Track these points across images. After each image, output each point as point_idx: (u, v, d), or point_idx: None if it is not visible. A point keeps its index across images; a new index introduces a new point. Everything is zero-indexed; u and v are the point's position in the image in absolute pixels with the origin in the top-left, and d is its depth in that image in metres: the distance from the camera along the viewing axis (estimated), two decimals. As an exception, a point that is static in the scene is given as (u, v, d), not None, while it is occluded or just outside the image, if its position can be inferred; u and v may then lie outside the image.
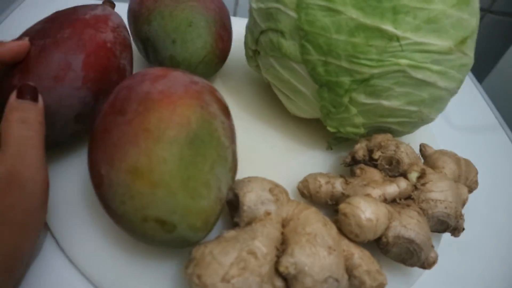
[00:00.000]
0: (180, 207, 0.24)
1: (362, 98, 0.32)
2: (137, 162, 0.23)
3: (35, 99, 0.27)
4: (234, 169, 0.29)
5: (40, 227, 0.26)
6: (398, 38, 0.29)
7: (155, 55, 0.39)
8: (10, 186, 0.23)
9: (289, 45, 0.33)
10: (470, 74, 0.61)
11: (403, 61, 0.30)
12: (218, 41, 0.39)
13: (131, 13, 0.41)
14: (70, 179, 0.33)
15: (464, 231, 0.32)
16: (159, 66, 0.38)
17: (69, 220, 0.30)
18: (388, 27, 0.29)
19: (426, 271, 0.31)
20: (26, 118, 0.26)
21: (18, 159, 0.24)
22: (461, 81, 0.34)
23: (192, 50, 0.38)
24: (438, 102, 0.34)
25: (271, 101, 0.44)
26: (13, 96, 0.27)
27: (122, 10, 0.40)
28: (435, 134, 0.46)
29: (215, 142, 0.26)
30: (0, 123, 0.26)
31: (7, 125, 0.25)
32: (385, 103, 0.32)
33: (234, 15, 0.70)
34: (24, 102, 0.26)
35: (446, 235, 0.34)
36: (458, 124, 0.52)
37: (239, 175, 0.30)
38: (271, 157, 0.39)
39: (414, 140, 0.41)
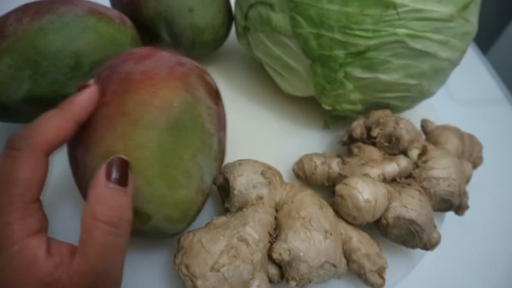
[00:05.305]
0: (156, 196, 0.23)
1: (358, 73, 0.30)
2: (112, 147, 0.22)
3: (125, 181, 0.21)
4: (220, 158, 0.27)
5: None
6: (395, 6, 0.27)
7: (170, 29, 0.38)
8: (91, 282, 0.21)
9: (279, 18, 0.31)
10: (474, 44, 0.59)
11: (401, 31, 0.28)
12: (227, 2, 0.39)
13: None
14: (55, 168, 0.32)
15: (469, 209, 0.31)
16: (175, 40, 0.37)
17: (54, 207, 0.29)
18: (384, -6, 0.27)
19: (429, 253, 0.30)
20: (116, 220, 0.20)
21: (101, 262, 0.21)
22: (463, 51, 0.32)
23: (213, 14, 0.37)
24: (439, 74, 0.32)
25: (264, 80, 0.42)
26: (101, 176, 0.21)
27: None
28: (436, 109, 0.45)
29: (199, 129, 0.25)
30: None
31: (93, 225, 0.20)
32: (383, 77, 0.30)
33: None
34: (116, 189, 0.21)
35: (450, 214, 0.33)
36: (461, 97, 0.50)
37: (232, 158, 0.29)
38: (265, 139, 0.37)
39: (414, 115, 0.40)
